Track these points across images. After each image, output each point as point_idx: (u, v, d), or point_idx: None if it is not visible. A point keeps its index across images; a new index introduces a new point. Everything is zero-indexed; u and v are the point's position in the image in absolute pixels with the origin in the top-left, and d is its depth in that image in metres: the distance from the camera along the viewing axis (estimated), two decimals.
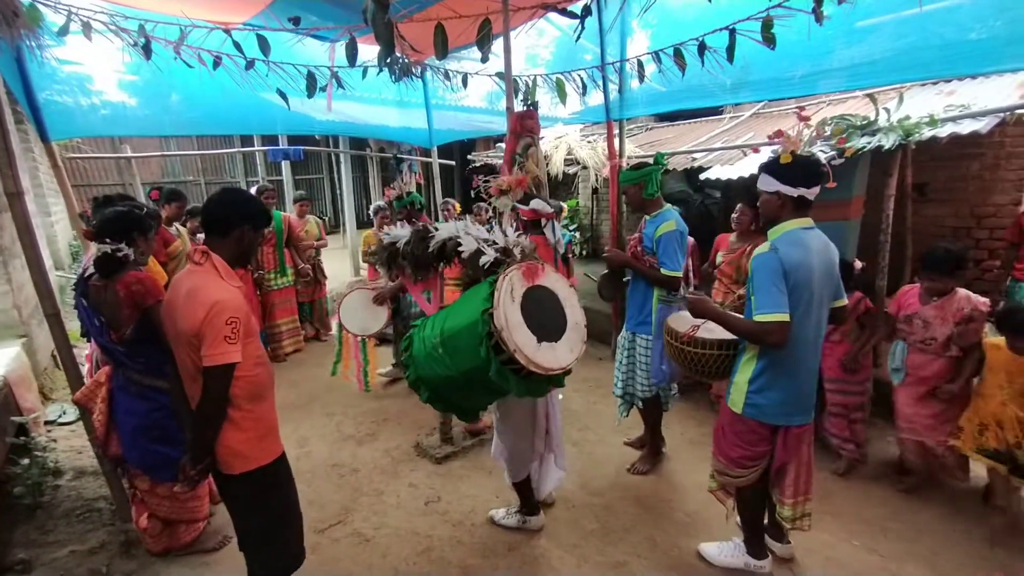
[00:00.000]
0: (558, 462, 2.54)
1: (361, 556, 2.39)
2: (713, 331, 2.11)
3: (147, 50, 2.80)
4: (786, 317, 1.74)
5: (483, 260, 1.94)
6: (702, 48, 2.89)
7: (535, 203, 2.35)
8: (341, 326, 3.45)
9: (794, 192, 1.82)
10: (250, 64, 3.09)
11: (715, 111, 6.04)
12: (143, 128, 4.00)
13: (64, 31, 2.69)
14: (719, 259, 3.55)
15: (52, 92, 3.10)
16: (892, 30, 2.77)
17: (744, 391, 1.95)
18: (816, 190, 1.85)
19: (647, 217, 2.79)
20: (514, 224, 2.37)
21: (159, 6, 2.77)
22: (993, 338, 2.47)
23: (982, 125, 2.92)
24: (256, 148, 9.52)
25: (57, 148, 3.09)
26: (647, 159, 3.59)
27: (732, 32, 2.64)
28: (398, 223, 2.64)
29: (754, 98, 4.39)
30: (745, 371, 1.95)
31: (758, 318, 1.76)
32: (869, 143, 2.83)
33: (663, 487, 2.88)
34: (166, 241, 3.62)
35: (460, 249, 2.00)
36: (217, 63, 2.99)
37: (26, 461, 2.32)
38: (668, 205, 2.77)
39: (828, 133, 2.94)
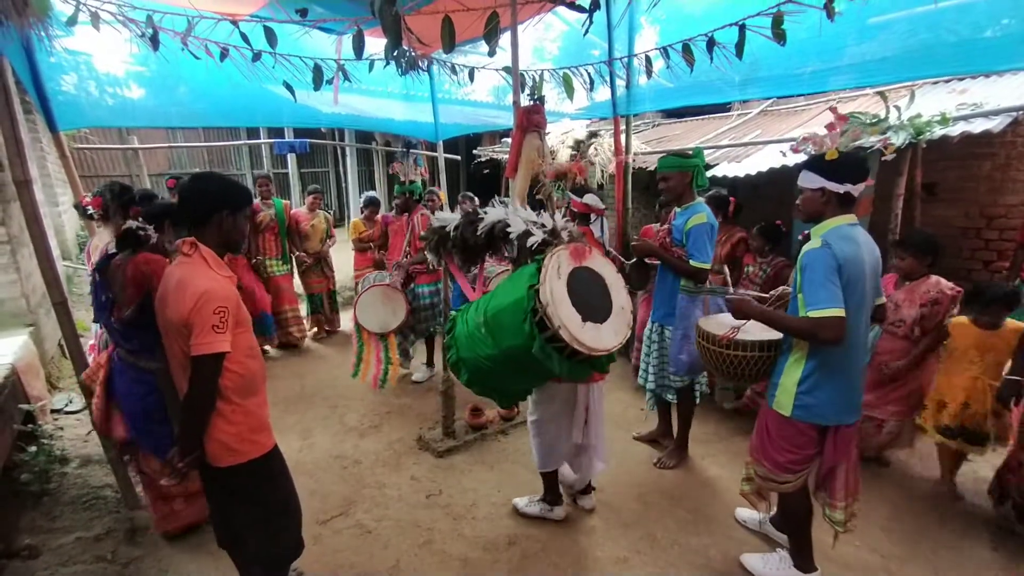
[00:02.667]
0: (598, 453, 2.52)
1: (363, 547, 2.40)
2: (749, 332, 2.07)
3: (154, 41, 2.80)
4: (843, 312, 1.71)
5: (531, 240, 1.96)
6: (711, 44, 2.86)
7: (588, 197, 2.35)
8: (360, 327, 3.45)
9: (840, 188, 1.82)
10: (257, 56, 3.08)
11: (723, 108, 6.00)
12: (150, 119, 4.02)
13: (72, 21, 2.69)
14: None
15: (60, 82, 3.11)
16: (904, 27, 2.74)
17: (793, 392, 1.89)
18: (861, 187, 1.84)
19: (677, 209, 2.78)
20: (563, 212, 2.35)
21: None
22: (958, 318, 2.60)
23: (995, 124, 2.89)
24: (262, 140, 9.53)
25: (65, 138, 3.11)
26: (656, 154, 3.58)
27: (742, 28, 2.61)
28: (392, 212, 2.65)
29: (763, 95, 4.36)
30: (793, 372, 1.90)
31: (813, 314, 1.73)
32: (878, 141, 2.80)
33: (665, 483, 2.88)
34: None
35: (508, 230, 2.02)
36: (224, 55, 2.99)
37: (33, 448, 2.35)
38: (699, 198, 2.76)
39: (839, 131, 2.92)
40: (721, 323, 2.20)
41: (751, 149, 4.36)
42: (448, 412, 3.26)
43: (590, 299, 1.79)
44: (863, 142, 2.77)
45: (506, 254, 2.27)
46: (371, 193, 5.24)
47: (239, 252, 1.63)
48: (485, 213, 2.18)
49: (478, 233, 2.14)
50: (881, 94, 3.06)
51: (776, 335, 1.99)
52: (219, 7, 2.89)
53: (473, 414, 3.39)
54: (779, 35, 2.45)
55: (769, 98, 5.37)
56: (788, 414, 1.91)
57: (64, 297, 2.35)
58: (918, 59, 2.72)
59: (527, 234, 1.98)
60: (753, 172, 3.88)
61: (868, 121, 2.92)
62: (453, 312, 2.20)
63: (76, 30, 2.79)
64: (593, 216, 2.32)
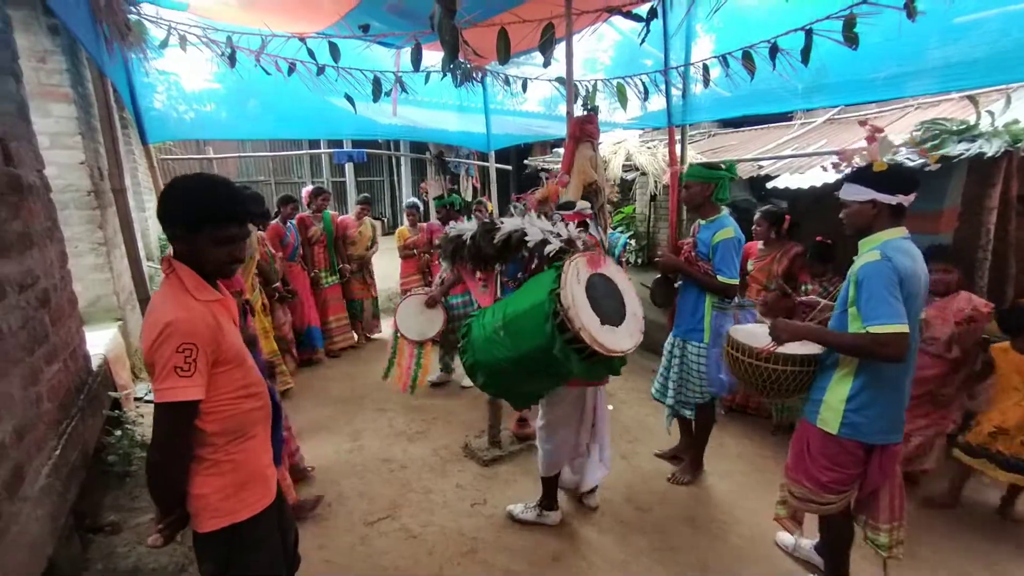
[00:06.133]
0: (603, 455, 2.57)
1: (407, 551, 2.43)
2: (787, 345, 1.99)
3: (232, 59, 3.03)
4: (906, 328, 1.65)
5: (548, 248, 2.01)
6: (774, 50, 2.75)
7: (578, 205, 2.39)
8: (398, 333, 3.56)
9: (892, 200, 1.76)
10: (321, 70, 3.25)
11: (784, 117, 5.74)
12: (224, 131, 4.32)
13: (164, 44, 2.95)
14: (750, 266, 3.64)
15: (152, 99, 3.42)
16: (996, 26, 2.51)
17: (840, 410, 1.83)
18: (912, 197, 1.77)
19: (701, 222, 2.72)
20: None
21: (245, 19, 2.98)
22: (1000, 343, 2.46)
23: None
24: (322, 150, 10.02)
25: (153, 150, 3.39)
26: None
27: (808, 33, 2.49)
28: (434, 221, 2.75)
29: (829, 103, 4.12)
30: (839, 388, 1.84)
31: (873, 330, 1.66)
32: (968, 150, 2.58)
33: (716, 507, 2.75)
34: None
35: (526, 239, 2.08)
36: (292, 69, 3.18)
37: (119, 433, 2.54)
38: (725, 211, 2.69)
39: (917, 139, 2.71)
40: (752, 333, 2.11)
41: (815, 160, 4.14)
42: (495, 421, 3.27)
43: (605, 305, 1.86)
44: (947, 151, 2.56)
45: (498, 268, 2.42)
46: (412, 199, 5.39)
47: (227, 277, 1.41)
48: (502, 222, 2.23)
49: (495, 242, 2.20)
50: (971, 98, 2.82)
51: (816, 349, 1.92)
52: (290, 27, 3.08)
53: (519, 424, 3.38)
54: (851, 39, 2.31)
55: (836, 106, 5.07)
56: (834, 432, 1.84)
57: (148, 295, 2.56)
58: (1013, 60, 2.49)
59: (544, 242, 2.04)
60: (818, 184, 3.67)
61: (954, 128, 2.70)
62: (472, 315, 2.28)
63: (166, 52, 3.05)
64: (590, 222, 2.35)
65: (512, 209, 2.34)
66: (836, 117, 5.17)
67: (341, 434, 3.56)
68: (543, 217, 2.28)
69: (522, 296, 2.03)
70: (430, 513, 2.71)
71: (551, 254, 2.01)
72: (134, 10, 2.74)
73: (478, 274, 2.62)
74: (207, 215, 1.27)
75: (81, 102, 3.35)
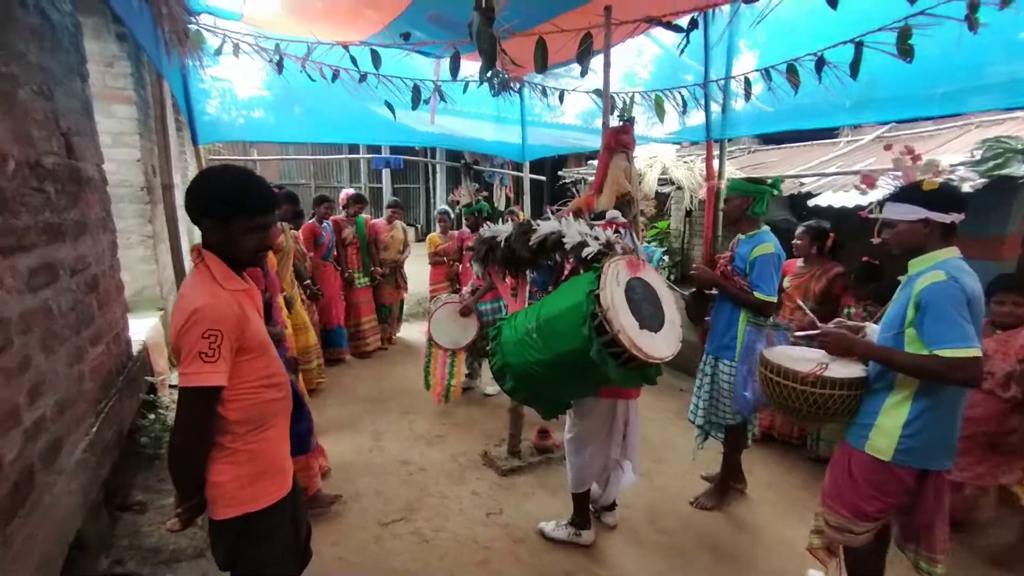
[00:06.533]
0: (635, 468, 2.51)
1: (420, 554, 2.42)
2: (829, 368, 1.91)
3: (280, 65, 3.16)
4: (979, 352, 1.57)
5: (586, 251, 1.98)
6: (820, 63, 2.66)
7: (609, 214, 2.36)
8: (431, 341, 3.58)
9: (947, 218, 1.69)
10: (363, 77, 3.35)
11: (829, 134, 5.54)
12: (271, 134, 4.52)
13: (219, 51, 3.11)
14: (786, 283, 3.50)
15: (206, 104, 3.62)
16: None
17: (896, 436, 1.74)
18: (963, 216, 1.71)
19: (741, 237, 2.65)
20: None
21: (294, 28, 3.12)
22: None
23: None
24: (361, 156, 10.32)
25: (203, 150, 3.57)
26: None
27: (859, 45, 2.40)
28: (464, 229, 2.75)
29: (879, 118, 3.95)
30: (896, 413, 1.75)
31: (944, 353, 1.59)
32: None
33: (742, 536, 2.61)
34: (273, 235, 4.01)
35: (564, 241, 2.06)
36: (335, 76, 3.29)
37: (152, 416, 2.65)
38: (765, 227, 2.62)
39: (978, 158, 2.56)
40: (789, 356, 2.02)
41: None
42: (515, 431, 3.23)
43: (644, 310, 1.81)
44: (1013, 171, 2.40)
45: (548, 263, 2.34)
46: (443, 206, 5.47)
47: (256, 265, 1.47)
48: (538, 224, 2.21)
49: (530, 244, 2.18)
50: None
51: (859, 372, 1.84)
52: (335, 35, 3.20)
53: (540, 436, 3.33)
54: (905, 51, 2.21)
55: (886, 123, 4.86)
56: (887, 458, 1.75)
57: None
58: None
59: (583, 244, 2.01)
60: (864, 203, 3.51)
61: (1020, 147, 2.53)
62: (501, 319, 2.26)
63: (220, 60, 3.22)
64: (623, 231, 2.30)
65: (509, 218, 2.38)
66: (886, 135, 4.96)
67: (363, 433, 3.60)
68: (635, 218, 2.27)
69: (558, 297, 2.00)
70: (445, 519, 2.69)
71: (589, 256, 1.98)
72: (193, 20, 2.92)
73: (508, 279, 2.59)
74: (240, 204, 1.31)
75: (141, 104, 3.57)
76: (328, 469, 3.05)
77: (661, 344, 1.79)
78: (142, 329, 2.99)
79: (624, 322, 1.69)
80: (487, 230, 2.46)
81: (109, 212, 2.46)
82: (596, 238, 2.02)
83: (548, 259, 2.25)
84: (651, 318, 1.83)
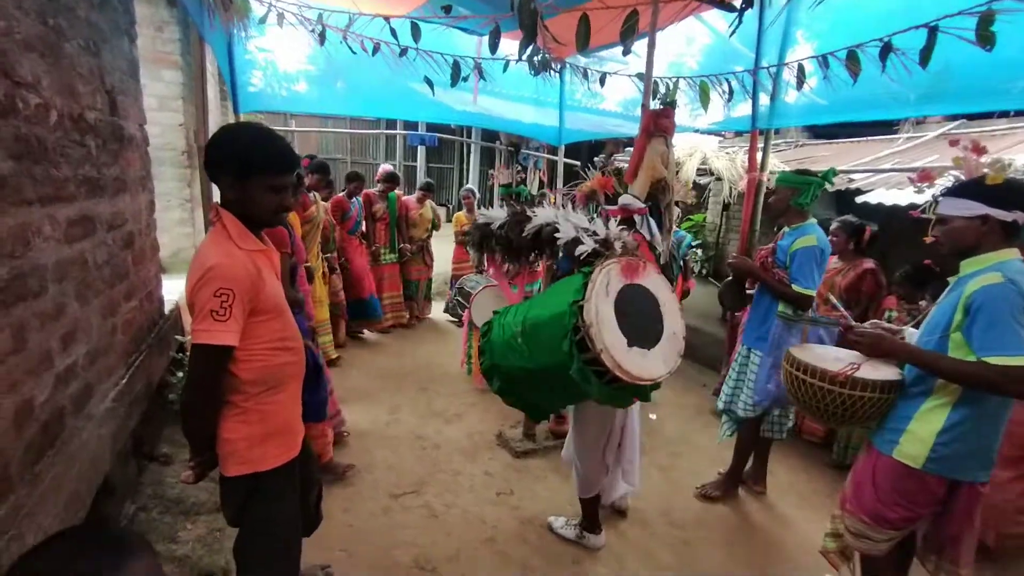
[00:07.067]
0: (627, 478, 2.41)
1: (427, 528, 2.44)
2: (860, 369, 1.81)
3: (322, 36, 3.16)
4: None
5: (579, 250, 1.81)
6: (886, 50, 2.47)
7: (623, 199, 2.19)
8: (472, 324, 3.57)
9: (1008, 216, 1.56)
10: (403, 51, 3.32)
11: (887, 129, 5.22)
12: (312, 106, 4.58)
13: (263, 20, 3.13)
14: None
15: (251, 75, 3.68)
16: None
17: (930, 443, 1.65)
18: None
19: (786, 228, 2.55)
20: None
21: (337, 0, 3.12)
22: None
23: None
24: (397, 132, 10.37)
25: (244, 118, 3.63)
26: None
27: (933, 30, 2.20)
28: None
29: (949, 111, 3.68)
30: (932, 420, 1.65)
31: (996, 361, 1.48)
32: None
33: (756, 536, 2.54)
34: (304, 205, 4.06)
35: (556, 236, 1.90)
36: (376, 49, 3.27)
37: (180, 374, 2.75)
38: (812, 219, 2.51)
39: None
40: (818, 356, 1.91)
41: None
42: None
43: (639, 323, 1.65)
44: None
45: (546, 259, 2.19)
46: (468, 185, 5.43)
47: (275, 226, 1.51)
48: (534, 213, 2.06)
49: (524, 235, 2.04)
50: None
51: (895, 375, 1.73)
52: (376, 7, 3.17)
53: (556, 420, 3.30)
54: (985, 38, 2.02)
55: (955, 116, 4.53)
56: (917, 466, 1.66)
57: None
58: None
59: (576, 242, 1.83)
60: (920, 201, 3.29)
61: None
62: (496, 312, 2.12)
63: (266, 31, 3.24)
64: (639, 218, 2.13)
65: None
66: (952, 132, 4.62)
67: (382, 406, 3.66)
68: (587, 210, 2.14)
69: (546, 301, 1.85)
70: (455, 495, 2.70)
71: (582, 256, 1.80)
72: None
73: (507, 268, 2.41)
74: (258, 163, 1.29)
75: (187, 70, 3.64)
76: (347, 434, 3.12)
77: (654, 362, 1.66)
78: (175, 290, 3.08)
79: (609, 340, 1.55)
80: (482, 215, 2.31)
81: (149, 172, 2.53)
82: (594, 234, 1.84)
83: (545, 249, 2.09)
84: (646, 332, 1.68)
